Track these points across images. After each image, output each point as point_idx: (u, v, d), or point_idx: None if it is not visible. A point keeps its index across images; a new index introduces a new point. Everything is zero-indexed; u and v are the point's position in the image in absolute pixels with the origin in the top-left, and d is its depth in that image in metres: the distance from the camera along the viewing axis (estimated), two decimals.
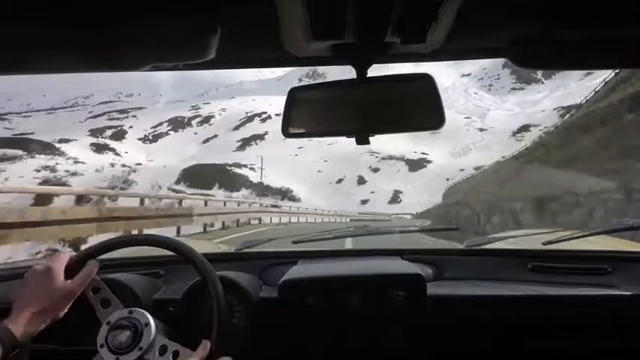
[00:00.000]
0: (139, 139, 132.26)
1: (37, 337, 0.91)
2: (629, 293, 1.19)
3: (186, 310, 1.13)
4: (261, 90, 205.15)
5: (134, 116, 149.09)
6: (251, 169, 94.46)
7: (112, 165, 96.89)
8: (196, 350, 0.90)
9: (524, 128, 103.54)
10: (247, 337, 1.08)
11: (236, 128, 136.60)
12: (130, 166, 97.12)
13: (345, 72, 0.87)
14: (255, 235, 10.99)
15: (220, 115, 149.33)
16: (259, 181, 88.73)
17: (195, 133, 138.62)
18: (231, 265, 1.41)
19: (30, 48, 0.64)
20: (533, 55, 0.73)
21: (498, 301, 1.23)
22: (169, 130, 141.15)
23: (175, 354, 0.91)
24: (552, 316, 1.21)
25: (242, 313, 1.15)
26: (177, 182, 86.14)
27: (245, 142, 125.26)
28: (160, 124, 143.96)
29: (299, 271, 1.31)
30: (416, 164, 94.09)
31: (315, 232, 1.77)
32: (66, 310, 0.93)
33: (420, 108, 0.79)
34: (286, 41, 0.73)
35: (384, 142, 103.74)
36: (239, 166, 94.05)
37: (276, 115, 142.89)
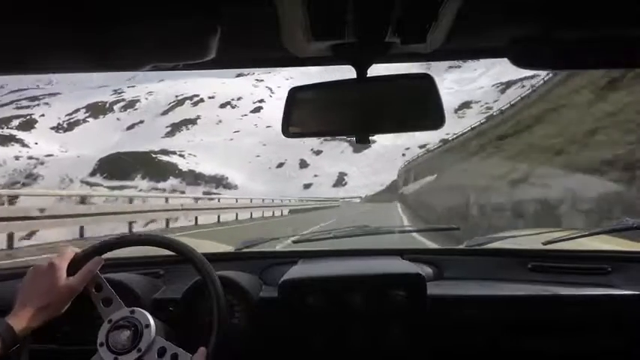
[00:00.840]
0: (52, 128, 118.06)
1: (37, 337, 0.91)
2: (629, 293, 1.20)
3: (186, 310, 1.13)
4: (194, 72, 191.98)
5: (46, 104, 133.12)
6: (180, 155, 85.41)
7: (17, 158, 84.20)
8: (194, 356, 0.90)
9: (465, 105, 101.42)
10: (247, 337, 1.08)
11: (164, 113, 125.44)
12: (37, 158, 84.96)
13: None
14: None
15: (147, 99, 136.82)
16: (190, 168, 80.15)
17: (118, 119, 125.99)
18: (231, 265, 1.39)
19: (30, 48, 0.65)
20: (534, 55, 0.75)
21: (498, 301, 1.24)
22: (87, 116, 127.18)
23: (174, 357, 0.91)
24: (552, 316, 1.22)
25: (242, 313, 1.16)
26: (93, 174, 75.64)
27: (175, 128, 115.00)
28: (77, 110, 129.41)
29: (299, 271, 1.30)
30: (360, 145, 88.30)
31: (315, 232, 1.80)
32: (67, 306, 0.94)
33: (419, 107, 0.80)
34: (286, 41, 0.74)
35: None
36: (166, 153, 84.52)
37: (210, 97, 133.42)
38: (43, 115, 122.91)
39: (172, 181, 75.90)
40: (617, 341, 1.19)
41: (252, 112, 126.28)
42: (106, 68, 0.73)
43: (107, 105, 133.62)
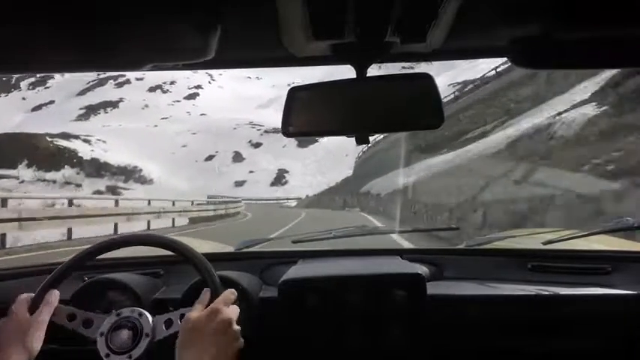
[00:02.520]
0: None
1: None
2: (629, 293, 1.20)
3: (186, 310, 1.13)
4: None
5: None
6: (85, 141, 69.48)
7: None
8: (198, 298, 0.94)
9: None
10: (247, 337, 1.08)
11: (81, 93, 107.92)
12: None
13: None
14: None
15: (62, 76, 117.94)
16: (94, 157, 64.50)
17: (24, 99, 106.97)
18: (231, 264, 1.40)
19: (30, 48, 0.64)
20: (534, 55, 0.74)
21: (498, 301, 1.25)
22: None
23: (181, 316, 0.95)
24: (552, 315, 1.22)
25: (242, 313, 1.14)
26: None
27: (91, 110, 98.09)
28: None
29: (299, 270, 1.31)
30: (306, 139, 76.56)
31: (315, 232, 1.78)
32: (42, 342, 0.94)
33: (419, 107, 0.80)
34: (286, 41, 0.73)
35: (267, 113, 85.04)
36: (67, 137, 68.37)
37: (137, 79, 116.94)
38: None
39: (67, 171, 60.18)
40: (617, 341, 1.18)
41: (186, 98, 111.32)
42: (106, 68, 0.73)
43: (12, 81, 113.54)
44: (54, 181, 57.61)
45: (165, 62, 0.69)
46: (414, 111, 0.80)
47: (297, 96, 0.82)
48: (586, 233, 1.51)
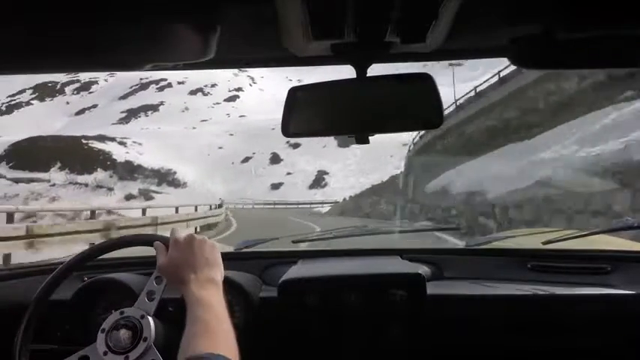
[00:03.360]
0: None
1: (36, 337, 0.94)
2: (629, 293, 1.21)
3: (186, 310, 1.08)
4: None
5: None
6: (121, 143, 67.83)
7: None
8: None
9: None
10: (247, 337, 1.08)
11: (123, 97, 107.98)
12: None
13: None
14: None
15: (106, 81, 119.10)
16: (128, 159, 62.33)
17: (68, 103, 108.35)
18: (231, 264, 1.35)
19: (30, 48, 0.63)
20: (534, 55, 0.74)
21: (498, 301, 1.25)
22: (33, 99, 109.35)
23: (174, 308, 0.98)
24: (552, 315, 1.22)
25: (242, 313, 1.16)
26: None
27: (131, 114, 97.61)
28: (22, 91, 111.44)
29: (299, 270, 1.32)
30: (348, 138, 71.57)
31: (315, 232, 1.83)
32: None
33: (419, 107, 0.80)
34: (286, 41, 0.73)
35: None
36: (102, 139, 66.85)
37: (179, 83, 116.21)
38: None
39: (100, 174, 58.15)
40: (616, 341, 1.18)
41: (226, 100, 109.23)
42: (106, 68, 0.73)
43: (58, 86, 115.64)
44: (85, 185, 55.73)
45: (166, 62, 0.69)
46: (414, 111, 0.79)
47: (297, 96, 0.81)
48: (586, 233, 1.51)
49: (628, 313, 1.19)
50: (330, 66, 0.89)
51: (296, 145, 70.15)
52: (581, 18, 0.64)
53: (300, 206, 45.25)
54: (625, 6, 0.63)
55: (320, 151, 67.20)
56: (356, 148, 67.23)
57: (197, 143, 74.81)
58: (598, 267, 1.33)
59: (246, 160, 69.10)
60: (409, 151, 33.06)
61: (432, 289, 1.21)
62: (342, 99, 0.81)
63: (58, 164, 58.00)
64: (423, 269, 1.32)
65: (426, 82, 0.78)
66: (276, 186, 60.13)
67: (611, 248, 1.50)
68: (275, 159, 67.98)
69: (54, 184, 54.70)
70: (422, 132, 25.26)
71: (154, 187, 57.40)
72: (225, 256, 1.43)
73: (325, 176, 60.37)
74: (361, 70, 0.77)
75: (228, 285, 1.11)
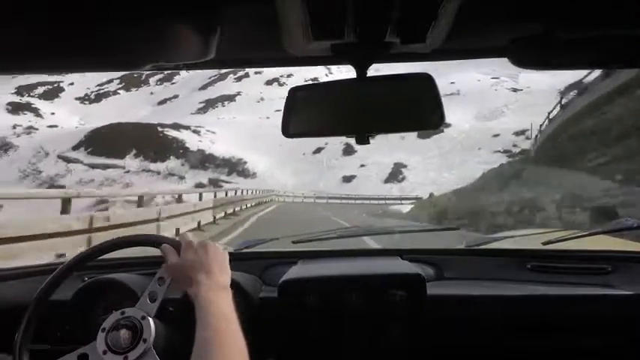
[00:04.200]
0: (77, 98, 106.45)
1: (36, 337, 0.95)
2: (629, 293, 1.20)
3: (186, 310, 1.09)
4: None
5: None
6: (195, 132, 67.52)
7: (14, 127, 70.85)
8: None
9: (576, 85, 74.11)
10: (247, 337, 1.08)
11: (203, 88, 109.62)
12: (37, 129, 71.15)
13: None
14: None
15: (187, 72, 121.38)
16: (200, 148, 61.49)
17: (152, 93, 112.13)
18: (231, 265, 1.36)
19: (30, 48, 0.63)
20: (534, 55, 0.74)
21: (498, 301, 1.25)
22: (119, 88, 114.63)
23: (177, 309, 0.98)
24: (552, 315, 1.22)
25: (242, 313, 1.13)
26: (76, 148, 59.35)
27: (209, 104, 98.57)
28: (110, 81, 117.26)
29: (299, 271, 1.32)
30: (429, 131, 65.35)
31: (315, 232, 1.79)
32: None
33: (420, 107, 0.79)
34: (286, 41, 0.73)
35: None
36: (177, 127, 66.84)
37: (256, 73, 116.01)
38: (72, 84, 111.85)
39: (172, 163, 57.68)
40: (616, 341, 1.18)
41: None
42: (107, 68, 0.72)
43: (143, 77, 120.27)
44: (158, 172, 55.51)
45: (166, 62, 0.69)
46: (415, 111, 0.79)
47: (297, 96, 0.81)
48: (586, 233, 1.51)
49: (628, 313, 1.18)
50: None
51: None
52: (581, 18, 0.64)
53: (374, 202, 40.57)
54: (625, 6, 0.63)
55: (397, 143, 61.86)
56: (439, 140, 61.06)
57: (269, 133, 72.73)
58: (598, 267, 1.33)
59: (318, 151, 65.62)
60: (537, 134, 26.22)
61: (432, 289, 1.21)
62: (342, 99, 0.81)
63: (134, 151, 58.44)
64: (423, 269, 1.31)
65: (426, 82, 0.78)
66: (348, 179, 56.00)
67: (611, 248, 1.50)
68: (348, 150, 63.75)
69: (128, 171, 55.01)
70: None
71: (223, 177, 55.85)
72: None
73: (403, 169, 55.15)
74: (361, 70, 0.77)
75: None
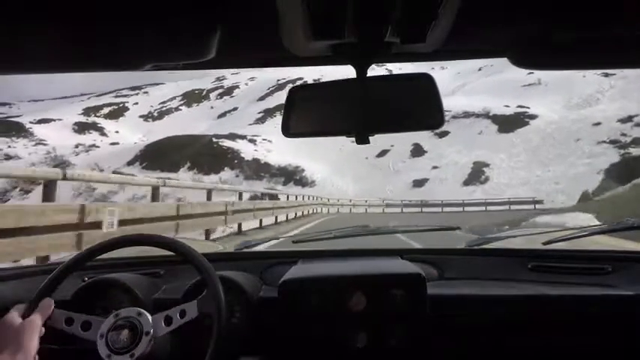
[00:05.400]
0: (141, 116, 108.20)
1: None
2: (629, 293, 1.20)
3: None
4: None
5: (145, 92, 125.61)
6: (251, 141, 63.88)
7: (76, 146, 71.46)
8: None
9: None
10: (247, 337, 1.10)
11: (261, 99, 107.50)
12: (98, 147, 71.31)
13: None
14: None
15: (247, 84, 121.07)
16: (256, 157, 57.47)
17: (212, 107, 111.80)
18: (231, 265, 1.41)
19: (30, 48, 0.63)
20: (534, 55, 0.74)
21: (498, 301, 1.25)
22: (181, 104, 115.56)
23: (181, 313, 0.98)
24: (552, 315, 1.22)
25: (242, 313, 1.16)
26: (131, 163, 57.44)
27: (267, 113, 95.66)
28: (172, 98, 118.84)
29: (299, 271, 1.32)
30: (510, 122, 56.11)
31: (315, 232, 1.79)
32: (35, 347, 0.93)
33: (420, 107, 0.79)
34: (286, 41, 0.73)
35: (455, 99, 67.71)
36: (233, 137, 63.57)
37: (314, 80, 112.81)
38: (136, 104, 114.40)
39: (226, 174, 53.91)
40: (617, 341, 1.18)
41: None
42: (106, 68, 0.73)
43: (204, 93, 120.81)
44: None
45: (166, 62, 0.69)
46: (415, 111, 0.79)
47: (297, 96, 0.82)
48: (586, 233, 1.51)
49: (628, 313, 1.18)
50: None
51: (443, 134, 57.85)
52: (580, 18, 0.64)
53: (472, 208, 33.81)
54: (624, 6, 0.62)
55: (474, 139, 54.03)
56: (524, 133, 52.44)
57: (329, 138, 67.51)
58: (598, 267, 1.32)
59: (383, 153, 59.20)
60: None
61: (432, 289, 1.22)
62: (342, 99, 0.81)
63: (188, 164, 55.53)
64: (424, 269, 1.30)
65: (426, 82, 0.78)
66: (419, 183, 49.06)
67: (611, 248, 1.50)
68: (417, 151, 56.77)
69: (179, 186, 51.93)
70: None
71: (279, 187, 51.07)
72: (226, 256, 1.44)
73: (485, 169, 47.26)
74: (361, 70, 0.76)
75: (228, 285, 1.12)
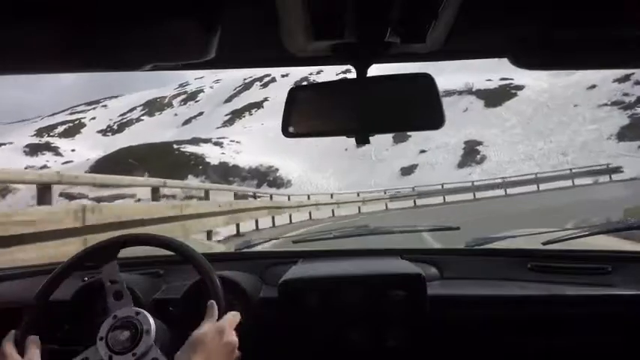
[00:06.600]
0: (99, 131, 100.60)
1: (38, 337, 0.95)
2: (629, 293, 1.20)
3: (186, 310, 1.14)
4: None
5: (104, 106, 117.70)
6: (216, 144, 58.08)
7: (25, 168, 64.39)
8: (205, 317, 0.94)
9: None
10: (247, 337, 1.10)
11: (228, 100, 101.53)
12: (48, 168, 64.39)
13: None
14: None
15: (212, 88, 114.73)
16: (223, 160, 51.58)
17: (176, 115, 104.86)
18: (231, 264, 1.41)
19: (30, 48, 0.62)
20: (534, 55, 0.73)
21: (498, 301, 1.26)
22: (142, 114, 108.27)
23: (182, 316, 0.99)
24: (552, 315, 1.22)
25: (242, 313, 1.16)
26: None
27: (236, 115, 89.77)
28: (133, 109, 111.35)
29: (299, 270, 1.32)
30: (496, 95, 51.58)
31: (315, 232, 1.79)
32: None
33: (420, 107, 0.79)
34: (286, 41, 0.73)
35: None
36: (196, 142, 57.57)
37: (282, 76, 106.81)
38: (93, 119, 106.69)
39: (191, 182, 47.72)
40: (616, 341, 1.18)
41: None
42: (106, 68, 0.72)
43: (166, 100, 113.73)
44: (173, 196, 46.16)
45: (165, 62, 0.69)
46: (415, 111, 0.79)
47: (297, 96, 0.82)
48: (586, 233, 1.50)
49: (628, 313, 1.18)
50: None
51: None
52: (580, 18, 0.64)
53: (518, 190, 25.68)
54: (624, 6, 0.62)
55: (461, 117, 49.13)
56: (516, 105, 47.86)
57: None
58: (598, 267, 1.32)
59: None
60: None
61: (432, 289, 1.23)
62: (342, 99, 0.80)
63: (146, 175, 49.24)
64: (423, 269, 1.30)
65: (426, 82, 0.77)
66: (407, 170, 44.03)
67: (611, 248, 1.50)
68: (400, 136, 51.62)
69: (139, 200, 45.79)
70: None
71: (249, 190, 45.38)
72: (226, 256, 1.47)
73: (479, 147, 42.45)
74: (361, 70, 0.76)
75: (228, 285, 1.13)
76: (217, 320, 0.96)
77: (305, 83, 0.81)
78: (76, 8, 0.57)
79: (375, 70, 0.76)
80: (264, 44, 0.78)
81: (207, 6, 0.61)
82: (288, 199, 17.62)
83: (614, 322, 1.18)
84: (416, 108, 0.79)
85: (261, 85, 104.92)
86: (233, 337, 0.96)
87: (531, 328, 1.20)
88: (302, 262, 1.41)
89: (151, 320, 0.95)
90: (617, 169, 26.33)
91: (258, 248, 1.76)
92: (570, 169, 27.52)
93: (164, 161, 50.46)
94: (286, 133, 0.83)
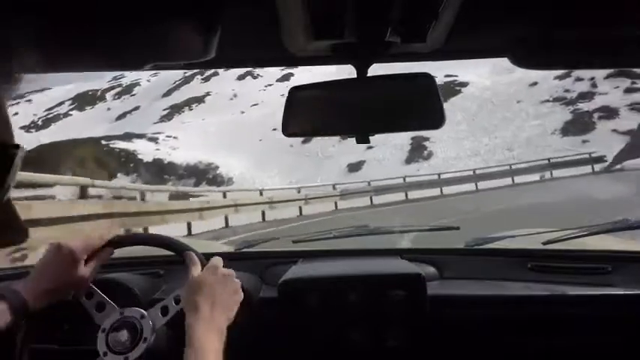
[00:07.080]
0: (22, 127, 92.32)
1: (36, 338, 0.96)
2: (629, 293, 1.21)
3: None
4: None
5: (28, 100, 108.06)
6: (151, 139, 53.93)
7: None
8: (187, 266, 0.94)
9: None
10: (247, 337, 1.11)
11: (166, 94, 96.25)
12: None
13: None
14: None
15: (149, 81, 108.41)
16: (157, 157, 47.73)
17: (109, 109, 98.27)
18: (231, 264, 1.37)
19: (29, 48, 0.61)
20: (534, 54, 0.74)
21: (498, 301, 1.26)
22: (72, 109, 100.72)
23: (175, 299, 0.99)
24: (552, 315, 1.22)
25: (242, 313, 1.16)
26: None
27: (174, 110, 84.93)
28: (61, 103, 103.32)
29: (299, 270, 1.33)
30: (441, 92, 51.22)
31: (315, 232, 1.79)
32: (92, 277, 0.97)
33: (420, 107, 0.79)
34: (286, 41, 0.73)
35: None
36: (129, 137, 53.16)
37: (225, 70, 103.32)
38: (16, 114, 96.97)
39: (120, 181, 43.56)
40: (616, 341, 1.18)
41: (279, 80, 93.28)
42: (107, 68, 0.73)
43: (98, 94, 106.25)
44: (99, 197, 42.00)
45: (165, 62, 0.69)
46: (415, 111, 0.79)
47: (297, 96, 0.82)
48: (586, 233, 1.50)
49: (628, 313, 1.18)
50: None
51: None
52: (580, 18, 0.64)
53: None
54: (624, 6, 0.62)
55: None
56: (459, 102, 47.64)
57: (246, 129, 59.30)
58: (598, 267, 1.32)
59: (309, 139, 51.91)
60: None
61: (432, 289, 1.23)
62: (342, 99, 0.81)
63: (69, 174, 44.56)
64: (423, 269, 1.31)
65: (426, 82, 0.78)
66: (354, 167, 42.66)
67: (611, 248, 1.49)
68: None
69: (59, 201, 41.18)
70: None
71: (189, 189, 42.05)
72: (226, 256, 1.41)
73: (426, 143, 41.71)
74: (361, 69, 0.77)
75: None
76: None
77: (305, 83, 0.81)
78: (76, 8, 0.57)
79: (375, 70, 0.75)
80: (264, 44, 0.78)
81: (207, 6, 0.60)
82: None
83: (614, 322, 1.18)
84: (416, 107, 0.78)
85: (202, 79, 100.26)
86: (229, 270, 0.96)
87: (531, 328, 1.20)
88: (302, 262, 1.41)
89: (152, 325, 0.94)
90: (600, 159, 23.56)
91: (258, 248, 1.76)
92: (548, 159, 25.06)
93: (91, 158, 45.99)
94: (286, 132, 0.82)
